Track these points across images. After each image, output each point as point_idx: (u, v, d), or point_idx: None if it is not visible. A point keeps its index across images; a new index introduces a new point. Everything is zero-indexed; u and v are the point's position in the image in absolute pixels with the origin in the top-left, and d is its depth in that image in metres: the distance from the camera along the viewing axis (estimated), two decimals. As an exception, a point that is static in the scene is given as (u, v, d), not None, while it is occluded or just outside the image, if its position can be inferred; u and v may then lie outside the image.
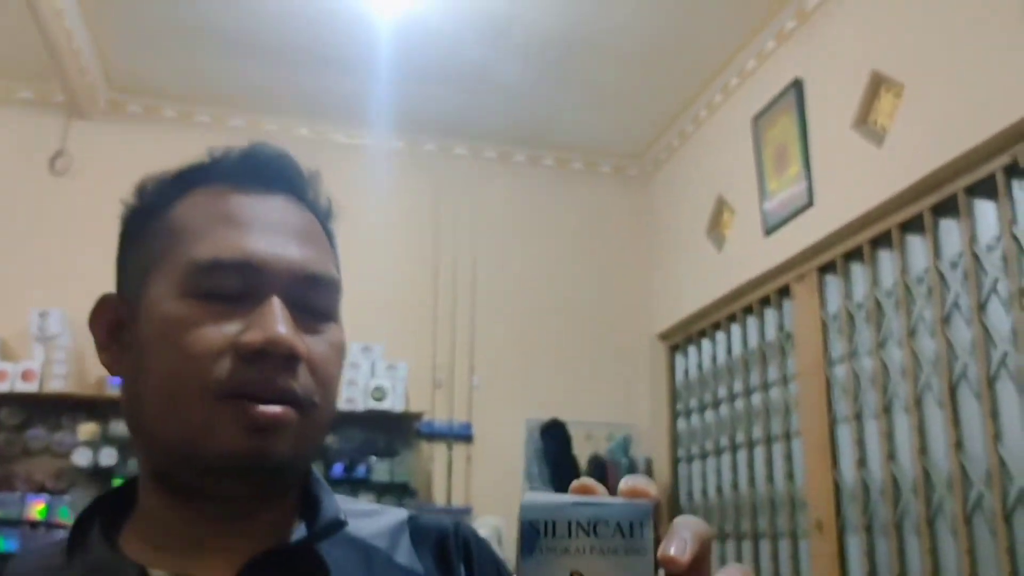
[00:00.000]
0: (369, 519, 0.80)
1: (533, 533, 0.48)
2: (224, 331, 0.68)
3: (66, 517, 4.10)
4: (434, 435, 4.66)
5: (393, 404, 4.39)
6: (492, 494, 4.64)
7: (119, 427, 4.21)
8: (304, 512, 0.75)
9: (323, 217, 0.80)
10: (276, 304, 0.69)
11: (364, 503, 0.84)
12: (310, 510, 0.75)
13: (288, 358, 0.68)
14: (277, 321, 0.68)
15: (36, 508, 4.09)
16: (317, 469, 0.80)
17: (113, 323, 0.76)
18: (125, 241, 0.78)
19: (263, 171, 0.76)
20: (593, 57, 4.35)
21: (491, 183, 5.20)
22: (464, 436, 4.73)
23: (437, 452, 4.67)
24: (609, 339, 5.10)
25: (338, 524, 0.74)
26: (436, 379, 4.71)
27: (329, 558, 0.72)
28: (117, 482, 3.78)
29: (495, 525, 4.47)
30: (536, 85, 4.62)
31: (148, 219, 0.76)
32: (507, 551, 4.51)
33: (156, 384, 0.69)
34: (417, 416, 4.54)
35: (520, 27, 4.13)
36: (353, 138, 5.06)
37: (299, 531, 0.73)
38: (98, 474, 4.21)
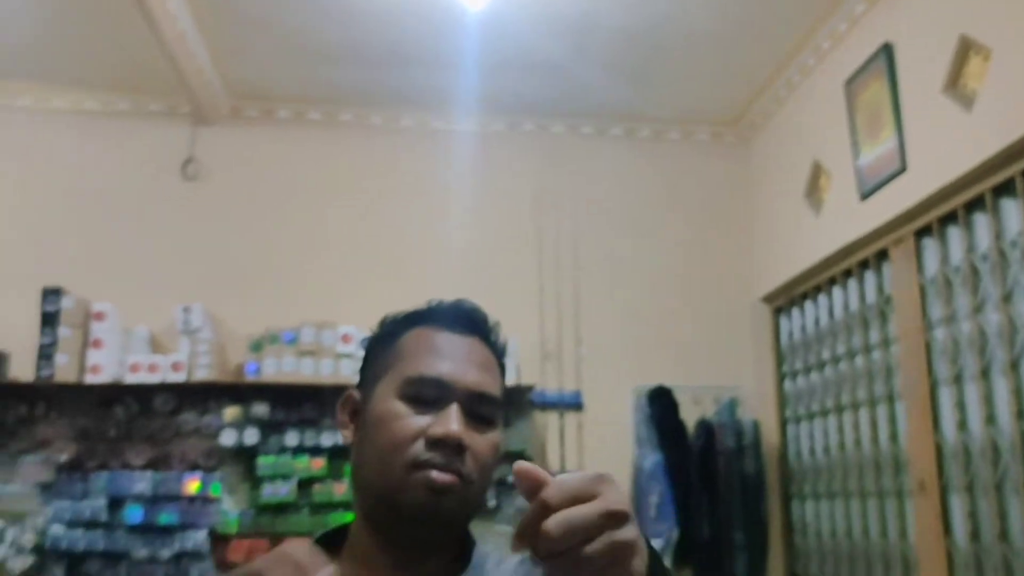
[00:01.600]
0: (498, 565, 1.12)
1: None
2: (420, 423, 1.02)
3: (218, 492, 4.56)
4: (546, 405, 4.91)
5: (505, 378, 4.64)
6: (604, 459, 4.85)
7: (259, 409, 4.64)
8: (463, 559, 1.09)
9: (499, 354, 1.13)
10: (455, 409, 1.02)
11: (498, 552, 1.16)
12: (467, 558, 1.09)
13: (458, 447, 1.00)
14: (454, 421, 1.01)
15: (192, 484, 4.56)
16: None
17: (353, 409, 1.11)
18: (368, 354, 1.13)
19: (462, 319, 1.10)
20: (684, 28, 4.41)
21: (589, 158, 5.35)
22: (574, 405, 4.96)
23: (550, 421, 4.92)
24: (713, 304, 5.21)
25: (483, 567, 1.09)
26: (545, 352, 4.94)
27: None
28: (261, 460, 4.20)
29: (607, 489, 4.69)
30: (628, 63, 4.72)
31: (384, 343, 1.11)
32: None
33: (374, 455, 1.03)
34: (529, 388, 4.78)
35: (607, 11, 4.24)
36: (453, 124, 5.29)
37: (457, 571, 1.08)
38: (243, 452, 4.65)
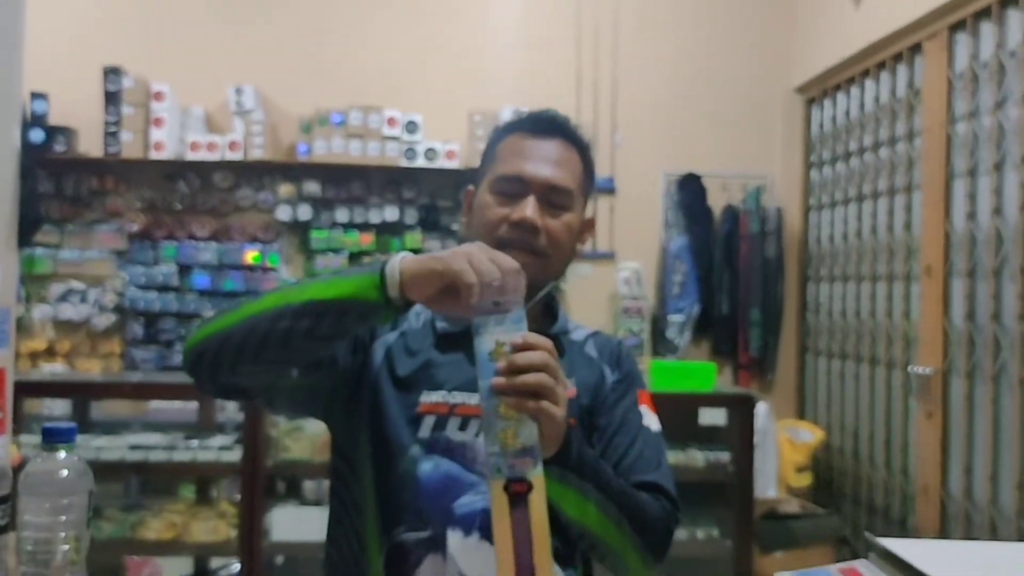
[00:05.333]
0: (575, 330, 1.48)
1: (477, 326, 1.00)
2: (504, 211, 1.32)
3: (276, 263, 4.96)
4: (580, 189, 5.16)
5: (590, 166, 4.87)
6: (633, 241, 5.18)
7: (310, 187, 4.95)
8: (548, 321, 1.43)
9: (580, 149, 1.39)
10: (531, 200, 1.31)
11: (578, 325, 1.51)
12: (553, 321, 1.43)
13: (532, 228, 1.31)
14: (528, 208, 1.30)
15: (251, 255, 4.97)
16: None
17: (470, 200, 1.42)
18: (482, 158, 1.42)
19: (544, 124, 1.37)
20: None
21: (631, -58, 5.30)
22: (607, 189, 5.21)
23: (583, 204, 5.19)
24: (747, 94, 5.32)
25: (566, 331, 1.45)
26: (580, 138, 5.13)
27: (556, 343, 1.39)
28: (314, 234, 4.61)
29: (635, 268, 5.05)
30: None
31: (489, 148, 1.40)
32: (645, 289, 5.10)
33: (475, 234, 1.33)
34: (564, 173, 5.03)
35: None
36: (496, -96, 5.22)
37: (546, 327, 1.41)
38: (298, 226, 5.01)
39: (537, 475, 0.96)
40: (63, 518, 0.82)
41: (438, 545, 1.26)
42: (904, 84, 4.26)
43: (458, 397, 1.31)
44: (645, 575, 1.26)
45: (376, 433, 1.31)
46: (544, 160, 1.33)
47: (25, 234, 2.34)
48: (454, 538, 1.26)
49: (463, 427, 1.30)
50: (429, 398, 1.31)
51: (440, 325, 1.38)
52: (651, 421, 1.39)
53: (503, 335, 0.99)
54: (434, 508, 1.27)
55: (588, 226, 1.44)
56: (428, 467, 1.28)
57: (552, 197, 1.32)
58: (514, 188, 1.32)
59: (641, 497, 1.26)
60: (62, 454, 0.84)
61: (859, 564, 1.12)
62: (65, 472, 0.83)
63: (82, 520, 0.84)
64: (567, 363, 1.37)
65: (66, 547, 0.82)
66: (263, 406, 1.36)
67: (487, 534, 1.23)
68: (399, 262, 1.11)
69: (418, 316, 1.41)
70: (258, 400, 1.30)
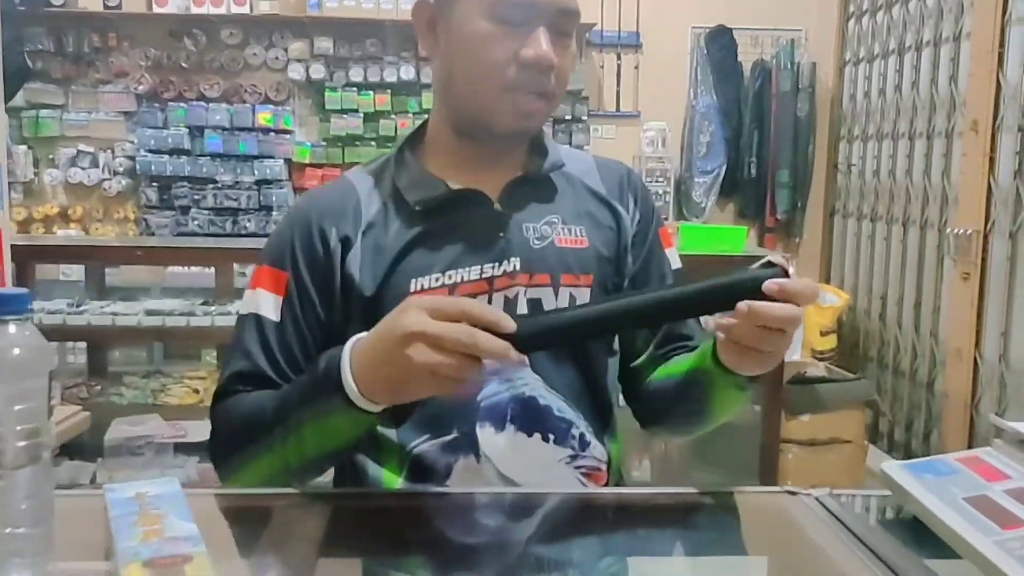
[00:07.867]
0: (576, 160, 1.24)
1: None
2: (512, 47, 1.04)
3: (290, 124, 4.79)
4: (604, 44, 4.90)
5: None
6: (658, 100, 4.95)
7: (323, 44, 4.71)
8: (538, 155, 1.19)
9: None
10: (543, 32, 1.04)
11: (575, 151, 1.29)
12: (543, 155, 1.19)
13: (548, 67, 1.05)
14: (544, 43, 1.04)
15: (263, 116, 4.79)
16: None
17: (431, 20, 1.11)
18: None
19: None
20: None
21: None
22: (632, 45, 4.94)
23: (607, 61, 4.95)
24: (781, -61, 4.97)
25: (559, 164, 1.20)
26: (605, -11, 4.84)
27: (550, 183, 1.19)
28: (328, 94, 4.37)
29: (660, 128, 4.86)
30: None
31: None
32: (670, 150, 4.93)
33: (467, 77, 1.08)
34: (587, 27, 4.74)
35: None
36: None
37: (536, 166, 1.17)
38: (311, 85, 4.81)
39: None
40: (16, 408, 0.67)
41: (468, 446, 1.10)
42: (958, -81, 3.93)
43: (454, 276, 1.10)
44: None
45: None
46: None
47: (10, 86, 2.20)
48: (485, 435, 1.10)
49: None
50: (419, 284, 1.09)
51: (413, 198, 1.13)
52: (676, 262, 1.29)
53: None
54: (455, 406, 1.10)
55: None
56: None
57: (563, 24, 1.07)
58: (521, 15, 1.03)
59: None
60: (12, 328, 0.68)
61: (982, 452, 0.96)
62: (16, 351, 0.67)
63: (42, 408, 0.70)
64: (567, 205, 1.18)
65: (22, 443, 0.67)
66: None
67: (523, 425, 1.11)
68: (352, 383, 0.91)
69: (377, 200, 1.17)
70: None
